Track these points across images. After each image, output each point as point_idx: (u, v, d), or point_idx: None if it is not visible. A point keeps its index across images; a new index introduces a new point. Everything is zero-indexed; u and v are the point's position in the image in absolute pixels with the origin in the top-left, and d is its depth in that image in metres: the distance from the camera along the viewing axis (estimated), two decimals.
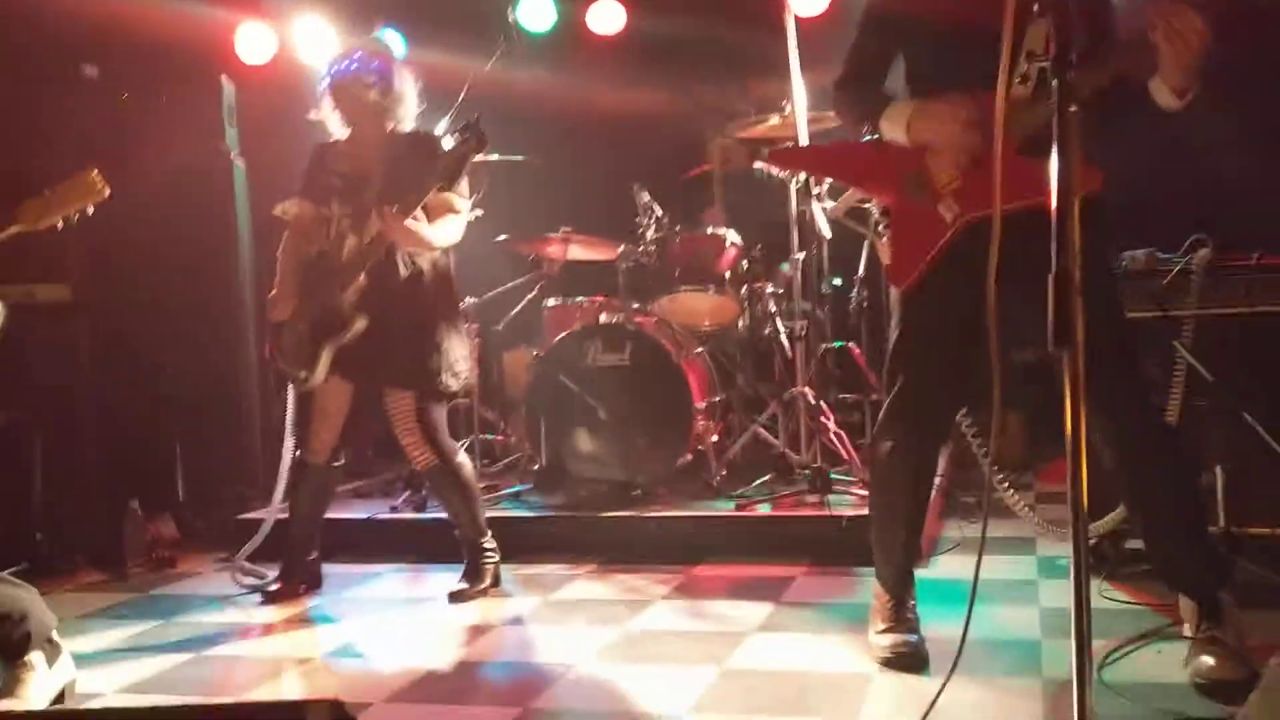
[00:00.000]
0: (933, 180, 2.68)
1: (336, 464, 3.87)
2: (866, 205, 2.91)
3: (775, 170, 4.67)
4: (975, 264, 2.46)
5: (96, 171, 2.76)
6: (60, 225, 2.77)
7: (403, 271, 3.67)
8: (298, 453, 3.81)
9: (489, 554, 3.83)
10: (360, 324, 3.60)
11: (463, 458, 3.81)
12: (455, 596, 3.70)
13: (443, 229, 3.66)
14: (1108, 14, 2.65)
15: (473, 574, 3.79)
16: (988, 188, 2.27)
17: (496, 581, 3.82)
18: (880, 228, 2.83)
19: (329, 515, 3.99)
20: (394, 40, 5.67)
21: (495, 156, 4.86)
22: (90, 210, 2.79)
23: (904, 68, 2.83)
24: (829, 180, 4.53)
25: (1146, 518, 2.73)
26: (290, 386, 3.80)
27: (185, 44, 5.27)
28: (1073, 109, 1.78)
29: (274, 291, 3.76)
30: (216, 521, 4.54)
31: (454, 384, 3.73)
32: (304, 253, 3.74)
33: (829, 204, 4.30)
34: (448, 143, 3.69)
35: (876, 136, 2.80)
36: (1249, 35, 2.56)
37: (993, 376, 2.08)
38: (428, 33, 5.96)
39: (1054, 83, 1.77)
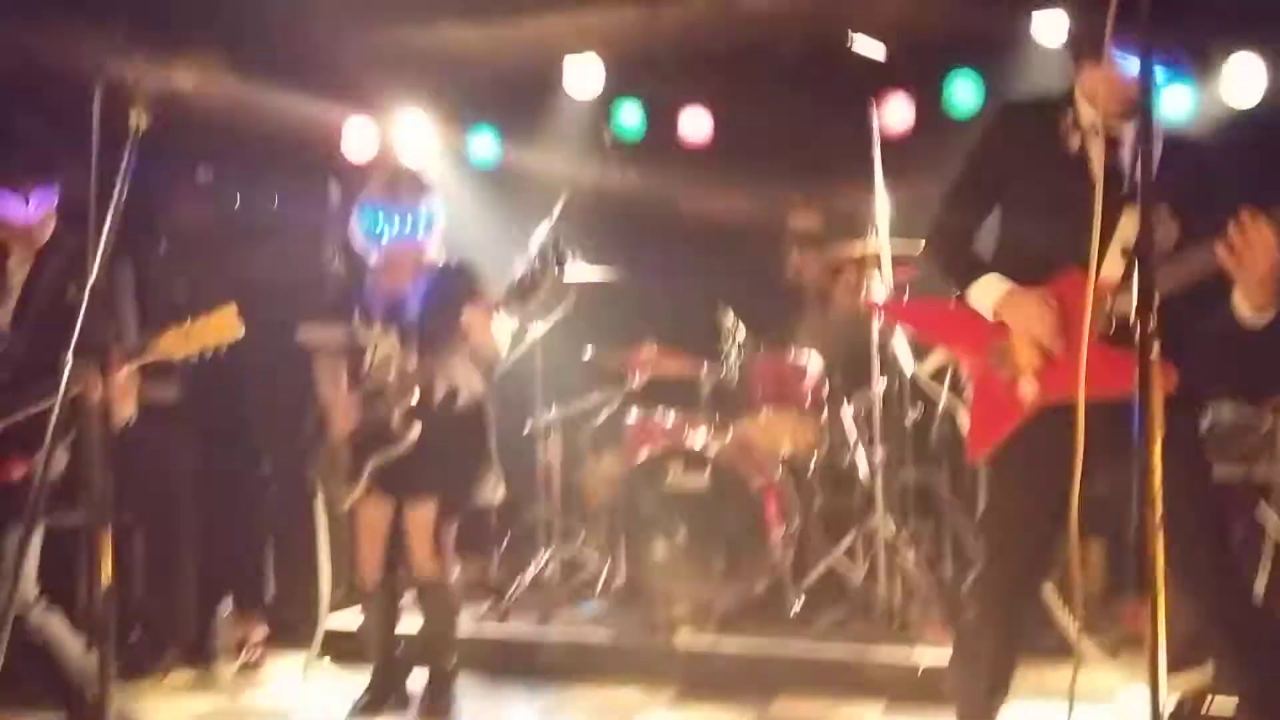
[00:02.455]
0: (1016, 357, 2.72)
1: (394, 578, 3.97)
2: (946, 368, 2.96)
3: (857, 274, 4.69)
4: (1051, 448, 2.53)
5: (236, 309, 2.90)
6: (195, 359, 2.92)
7: (439, 389, 3.80)
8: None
9: (453, 673, 3.93)
10: (412, 437, 3.72)
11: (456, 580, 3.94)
12: (426, 713, 3.84)
13: (501, 336, 3.81)
14: (1207, 210, 2.57)
15: (440, 691, 3.90)
16: (1070, 373, 2.34)
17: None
18: (962, 391, 2.88)
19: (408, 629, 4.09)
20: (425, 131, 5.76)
21: (583, 279, 4.94)
22: (225, 349, 2.93)
23: (999, 224, 2.84)
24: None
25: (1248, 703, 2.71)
26: (319, 504, 3.93)
27: (295, 142, 5.48)
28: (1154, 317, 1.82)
29: (329, 409, 3.87)
30: (305, 623, 4.66)
31: (480, 500, 3.87)
32: (341, 377, 3.89)
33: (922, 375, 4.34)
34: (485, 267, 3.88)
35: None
36: None
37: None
38: (522, 133, 6.16)
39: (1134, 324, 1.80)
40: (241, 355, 4.84)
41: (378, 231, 3.85)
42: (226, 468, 4.80)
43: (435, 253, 3.95)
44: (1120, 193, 2.54)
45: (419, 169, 4.20)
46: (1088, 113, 2.67)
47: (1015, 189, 2.78)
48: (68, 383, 2.25)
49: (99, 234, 2.21)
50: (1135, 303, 1.86)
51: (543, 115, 6.06)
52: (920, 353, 3.18)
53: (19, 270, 3.34)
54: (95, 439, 2.21)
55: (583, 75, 5.86)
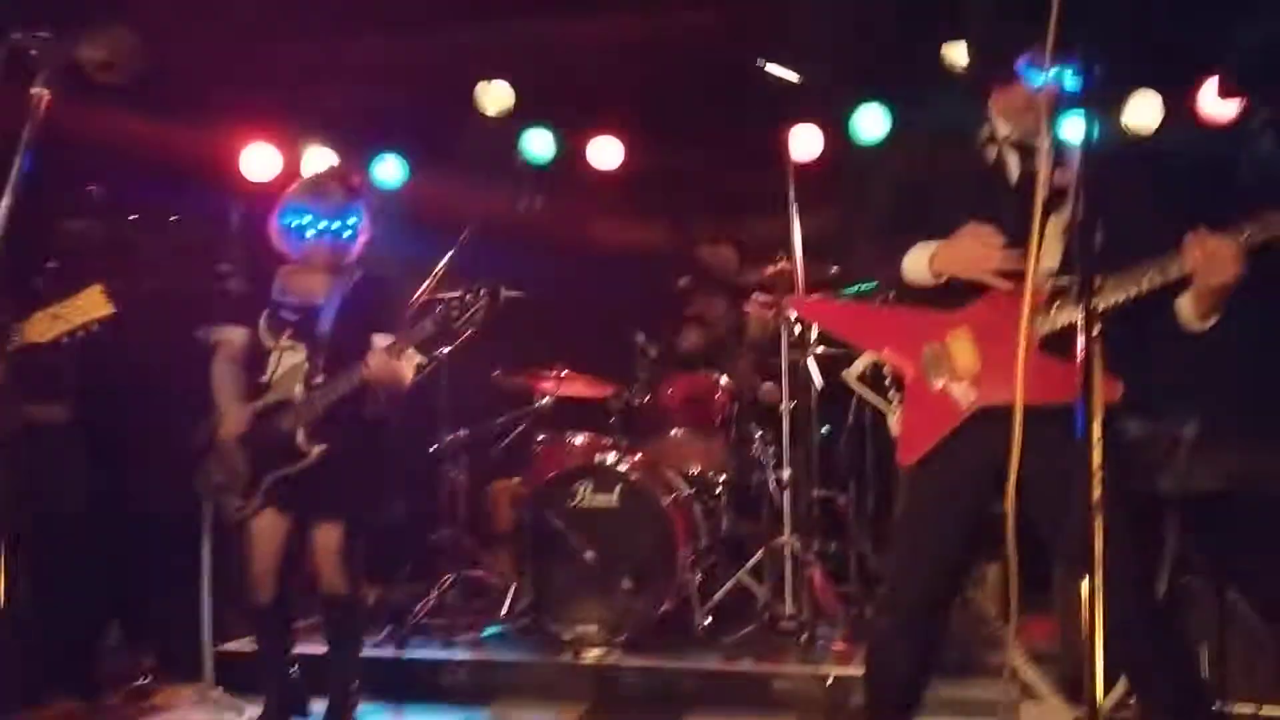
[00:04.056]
0: (953, 361, 2.71)
1: (288, 596, 3.83)
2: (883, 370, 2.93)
3: (791, 313, 4.71)
4: (984, 451, 2.54)
5: (102, 288, 2.78)
6: (65, 340, 2.79)
7: (344, 407, 3.71)
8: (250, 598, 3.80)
9: (355, 697, 3.82)
10: (315, 455, 3.63)
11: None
12: None
13: (406, 371, 3.73)
14: (1140, 228, 2.61)
15: (341, 715, 3.77)
16: (1007, 377, 2.34)
17: None
18: (893, 395, 2.86)
19: (304, 651, 3.96)
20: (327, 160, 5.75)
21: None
22: (95, 327, 2.80)
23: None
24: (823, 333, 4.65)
25: (1155, 707, 2.73)
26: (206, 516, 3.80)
27: (193, 164, 5.36)
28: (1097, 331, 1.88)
29: (221, 410, 3.76)
30: (195, 652, 4.47)
31: (385, 517, 3.80)
32: (239, 379, 3.79)
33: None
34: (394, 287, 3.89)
35: (882, 289, 2.85)
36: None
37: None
38: (429, 160, 6.11)
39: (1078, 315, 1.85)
40: (133, 370, 4.74)
41: (299, 229, 3.75)
42: (116, 490, 4.60)
43: (354, 261, 3.85)
44: (1045, 199, 2.58)
45: (349, 173, 4.11)
46: (1002, 127, 2.72)
47: (937, 204, 2.77)
48: None
49: None
50: (1080, 305, 1.91)
51: (452, 140, 6.02)
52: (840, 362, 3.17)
53: None
54: None
55: (493, 100, 5.84)
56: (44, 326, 2.78)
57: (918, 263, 2.71)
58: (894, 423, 2.83)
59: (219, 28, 5.19)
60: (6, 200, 2.03)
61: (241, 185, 5.68)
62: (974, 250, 2.62)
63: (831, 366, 4.49)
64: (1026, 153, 2.68)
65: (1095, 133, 2.12)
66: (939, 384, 2.71)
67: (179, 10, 4.94)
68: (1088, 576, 1.86)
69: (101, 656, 4.25)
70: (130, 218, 5.12)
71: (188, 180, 5.31)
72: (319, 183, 3.86)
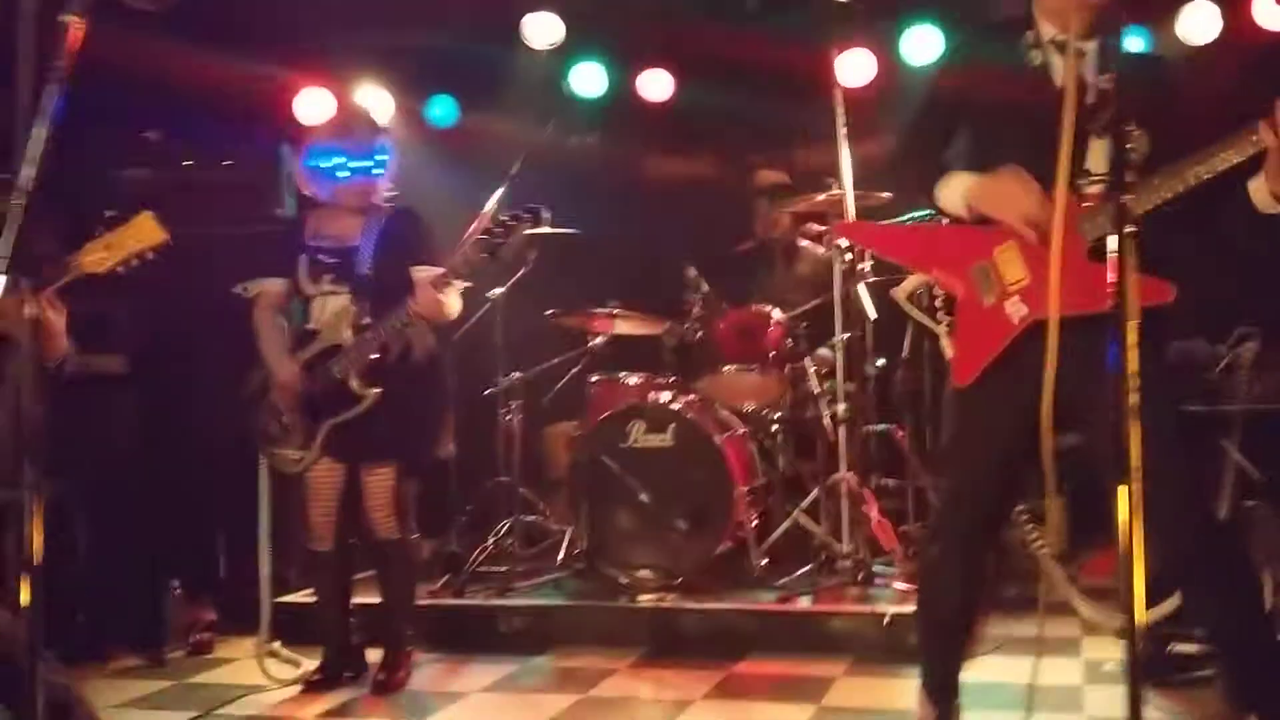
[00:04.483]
0: (1001, 277, 2.63)
1: (348, 545, 3.87)
2: (934, 292, 2.87)
3: (841, 242, 4.62)
4: (1035, 365, 2.47)
5: (152, 215, 2.77)
6: (120, 269, 2.79)
7: (394, 346, 3.70)
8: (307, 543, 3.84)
9: (410, 642, 3.86)
10: (371, 398, 3.62)
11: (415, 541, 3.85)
12: (380, 687, 3.73)
13: (452, 301, 3.70)
14: (1175, 124, 2.57)
15: (396, 664, 3.81)
16: (1058, 290, 2.28)
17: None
18: (943, 317, 2.79)
19: (363, 600, 4.01)
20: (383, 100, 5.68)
21: (546, 230, 4.87)
22: (149, 255, 2.80)
23: (966, 149, 2.75)
24: (872, 259, 4.55)
25: (1214, 636, 2.65)
26: (263, 470, 3.85)
27: (246, 108, 5.37)
28: (1130, 229, 1.79)
29: (270, 364, 3.75)
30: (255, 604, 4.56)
31: (436, 456, 3.80)
32: (282, 329, 3.79)
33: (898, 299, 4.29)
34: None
35: (936, 215, 2.77)
36: None
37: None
38: (480, 100, 6.05)
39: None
40: (186, 320, 4.80)
41: (328, 170, 3.73)
42: (174, 441, 4.67)
43: (387, 195, 3.83)
44: (1088, 103, 2.47)
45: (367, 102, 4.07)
46: (1048, 29, 2.61)
47: (979, 108, 2.69)
48: None
49: (28, 138, 2.03)
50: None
51: (501, 75, 5.95)
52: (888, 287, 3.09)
53: None
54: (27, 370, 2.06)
55: (541, 33, 5.75)
56: (98, 256, 2.76)
57: (953, 195, 2.64)
58: (947, 344, 2.76)
59: None
60: (39, 132, 2.00)
61: (295, 129, 5.68)
62: (1010, 193, 2.53)
63: (886, 296, 4.42)
64: (1075, 57, 2.55)
65: (1142, 40, 2.02)
66: (989, 301, 2.63)
67: None
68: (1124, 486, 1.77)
69: (162, 610, 4.32)
70: (185, 163, 5.16)
71: (240, 123, 5.32)
72: (343, 122, 3.83)
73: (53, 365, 2.90)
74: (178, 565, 4.48)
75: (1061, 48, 2.57)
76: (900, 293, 3.01)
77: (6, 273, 2.02)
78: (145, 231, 2.74)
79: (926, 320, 2.88)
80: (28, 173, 2.02)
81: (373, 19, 5.69)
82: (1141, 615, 1.77)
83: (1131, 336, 1.83)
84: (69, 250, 2.88)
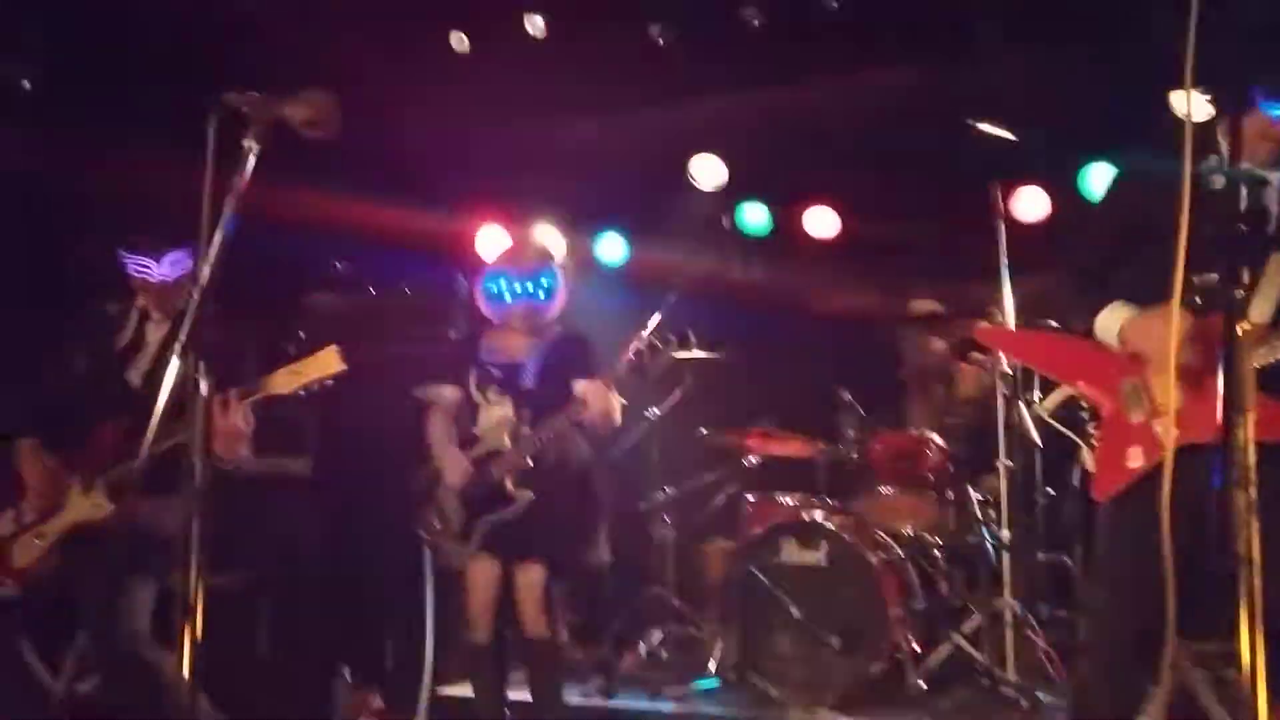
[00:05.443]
0: (1152, 396, 2.59)
1: (505, 640, 3.95)
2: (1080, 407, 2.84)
3: (1005, 367, 4.57)
4: (1187, 493, 2.38)
5: (336, 348, 3.04)
6: (303, 392, 3.06)
7: (551, 454, 3.84)
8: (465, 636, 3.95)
9: None
10: (525, 500, 3.76)
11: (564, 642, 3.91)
12: None
13: (616, 408, 3.85)
14: None
15: None
16: (1212, 413, 2.19)
17: None
18: (1090, 429, 2.76)
19: (517, 697, 4.06)
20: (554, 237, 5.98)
21: (701, 353, 5.00)
22: (329, 382, 3.06)
23: (1133, 276, 2.73)
24: (1040, 381, 4.47)
25: None
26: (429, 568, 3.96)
27: (428, 242, 5.77)
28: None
29: (439, 463, 3.95)
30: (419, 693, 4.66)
31: (589, 562, 3.85)
32: (452, 434, 3.97)
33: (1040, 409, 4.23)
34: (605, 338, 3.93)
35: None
36: None
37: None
38: (647, 235, 6.33)
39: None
40: (366, 426, 5.08)
41: (500, 294, 3.98)
42: (351, 537, 4.92)
43: (554, 318, 4.05)
44: (1269, 232, 2.48)
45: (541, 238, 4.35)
46: (1231, 156, 2.59)
47: (1152, 230, 2.67)
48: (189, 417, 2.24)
49: (209, 243, 2.29)
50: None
51: (667, 213, 6.22)
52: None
53: (156, 331, 3.55)
54: (199, 473, 2.25)
55: (706, 175, 6.02)
56: (284, 380, 3.10)
57: (1108, 327, 2.65)
58: (1088, 458, 2.72)
59: (451, 117, 5.62)
60: (216, 242, 2.26)
61: (471, 261, 6.05)
62: (1163, 332, 2.47)
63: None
64: (1255, 184, 2.56)
65: None
66: (1137, 418, 2.58)
67: (418, 103, 5.39)
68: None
69: (332, 696, 4.47)
70: (370, 289, 5.57)
71: (421, 255, 5.72)
72: (515, 251, 4.10)
73: (230, 467, 3.17)
74: (348, 653, 4.65)
75: (1245, 176, 2.55)
76: (1044, 407, 2.99)
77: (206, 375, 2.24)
78: (328, 362, 3.07)
79: (1073, 434, 2.85)
80: (206, 273, 2.27)
81: (546, 162, 6.08)
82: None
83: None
84: (264, 367, 3.20)
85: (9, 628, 3.43)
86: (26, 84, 4.74)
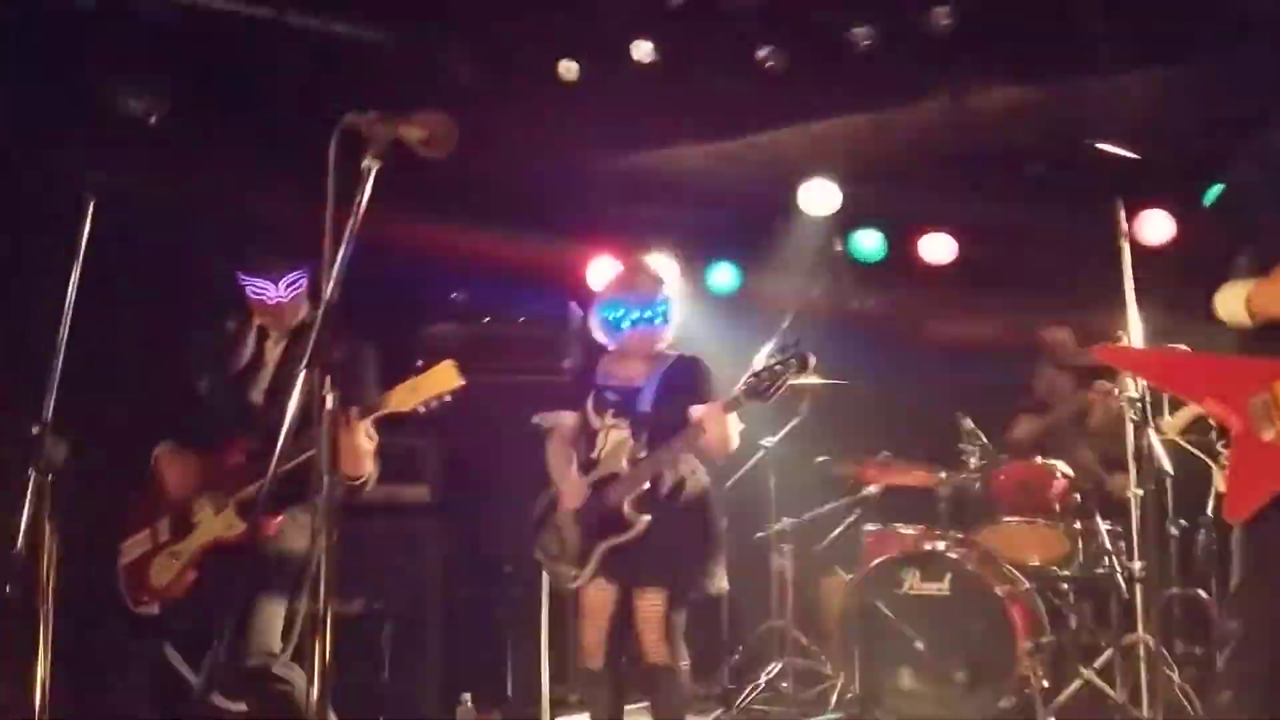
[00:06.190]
0: None
1: (621, 667, 3.91)
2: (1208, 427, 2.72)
3: (1133, 394, 4.42)
4: None
5: (453, 363, 3.06)
6: (423, 408, 3.08)
7: (669, 479, 3.81)
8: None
9: None
10: (642, 525, 3.74)
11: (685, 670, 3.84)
12: None
13: (733, 433, 3.80)
14: None
15: None
16: None
17: None
18: (1220, 448, 2.65)
19: None
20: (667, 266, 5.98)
21: (818, 380, 4.95)
22: (448, 398, 3.06)
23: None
24: (1169, 407, 4.31)
25: None
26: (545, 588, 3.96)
27: (542, 273, 5.84)
28: None
29: (557, 487, 3.95)
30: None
31: (708, 589, 3.79)
32: (571, 458, 3.98)
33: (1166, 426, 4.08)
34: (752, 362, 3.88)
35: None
36: None
37: None
38: (759, 263, 6.30)
39: None
40: (484, 453, 5.15)
41: (615, 320, 4.00)
42: (472, 562, 4.98)
43: (669, 343, 4.05)
44: None
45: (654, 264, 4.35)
46: None
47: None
48: (314, 434, 2.26)
49: (332, 262, 2.30)
50: None
51: (779, 240, 6.19)
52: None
53: (274, 349, 3.62)
54: (326, 488, 2.27)
55: (818, 198, 5.97)
56: (403, 397, 3.11)
57: (1233, 299, 2.54)
58: (1219, 479, 2.60)
59: (565, 146, 5.68)
60: (340, 259, 2.29)
61: (584, 291, 6.10)
62: None
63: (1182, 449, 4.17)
64: None
65: None
66: (1269, 436, 2.47)
67: (529, 132, 5.47)
68: None
69: None
70: (486, 319, 5.65)
71: (536, 285, 5.78)
72: (630, 277, 4.10)
73: (355, 483, 3.22)
74: (470, 678, 4.68)
75: None
76: (1170, 427, 2.88)
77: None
78: (446, 377, 3.05)
79: (1205, 456, 2.73)
80: (330, 290, 2.29)
81: (658, 192, 6.11)
82: None
83: None
84: (384, 387, 3.24)
85: (152, 640, 3.50)
86: (154, 119, 4.90)
